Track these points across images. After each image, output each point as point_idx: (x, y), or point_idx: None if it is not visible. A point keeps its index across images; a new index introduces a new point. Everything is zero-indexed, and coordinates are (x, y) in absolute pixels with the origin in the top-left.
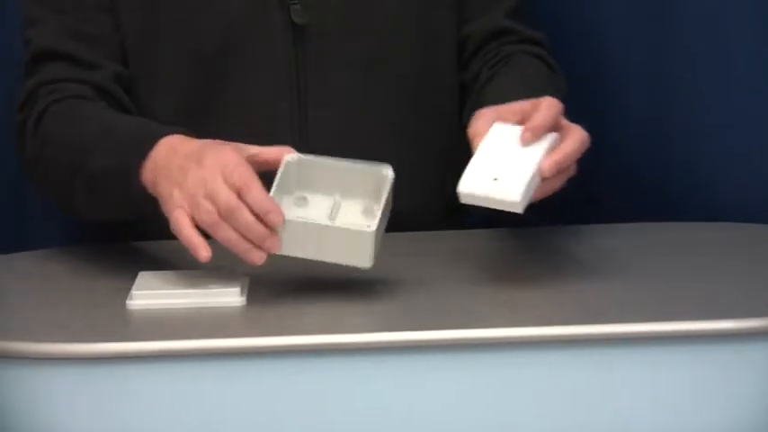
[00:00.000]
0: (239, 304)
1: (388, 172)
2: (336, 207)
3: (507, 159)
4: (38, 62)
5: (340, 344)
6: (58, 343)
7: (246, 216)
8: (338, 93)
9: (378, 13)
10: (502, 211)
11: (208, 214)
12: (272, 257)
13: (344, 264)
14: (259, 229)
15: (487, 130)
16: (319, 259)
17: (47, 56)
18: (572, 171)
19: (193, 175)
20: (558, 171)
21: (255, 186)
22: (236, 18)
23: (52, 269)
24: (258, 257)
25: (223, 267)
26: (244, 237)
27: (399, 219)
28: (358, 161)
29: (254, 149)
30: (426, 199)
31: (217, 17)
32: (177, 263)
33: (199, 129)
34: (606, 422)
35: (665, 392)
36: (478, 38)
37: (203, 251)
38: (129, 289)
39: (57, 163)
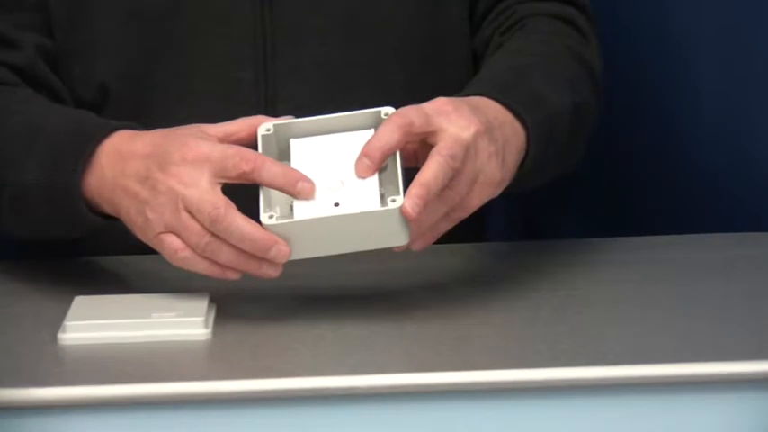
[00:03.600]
0: (203, 338)
1: (389, 111)
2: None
3: (337, 173)
4: None
5: (330, 389)
6: None
7: (238, 224)
8: (313, 64)
9: None
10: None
11: (197, 236)
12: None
13: (375, 248)
14: (256, 237)
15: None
16: (343, 252)
17: None
18: (465, 205)
19: (162, 186)
20: (425, 204)
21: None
22: None
23: None
24: (274, 271)
25: (184, 289)
26: (243, 252)
27: None
28: (348, 112)
29: (219, 131)
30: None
31: None
32: (123, 283)
33: (144, 106)
34: None
35: None
36: None
37: (231, 274)
38: (62, 318)
39: None
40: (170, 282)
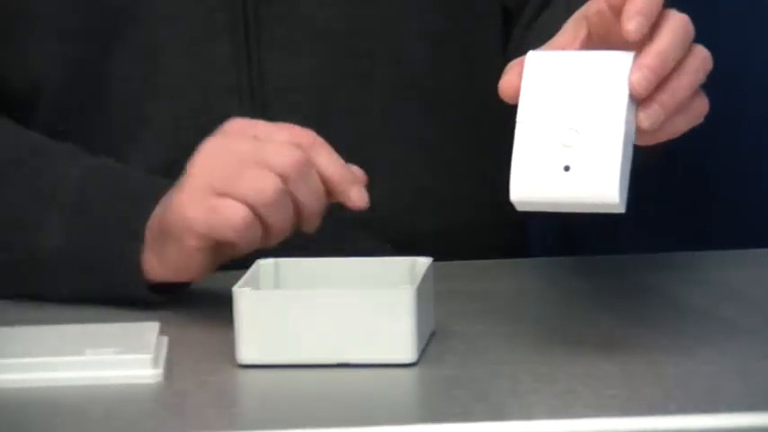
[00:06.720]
0: (152, 380)
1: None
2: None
3: (571, 116)
4: None
5: None
6: None
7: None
8: (313, 30)
9: None
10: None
11: (265, 180)
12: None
13: (377, 362)
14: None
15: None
16: (340, 360)
17: None
18: (695, 99)
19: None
20: (656, 80)
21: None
22: None
23: None
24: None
25: (126, 318)
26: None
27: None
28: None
29: None
30: (466, 214)
31: None
32: (48, 311)
33: (94, 90)
34: None
35: None
36: None
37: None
38: None
39: None
40: (108, 308)
